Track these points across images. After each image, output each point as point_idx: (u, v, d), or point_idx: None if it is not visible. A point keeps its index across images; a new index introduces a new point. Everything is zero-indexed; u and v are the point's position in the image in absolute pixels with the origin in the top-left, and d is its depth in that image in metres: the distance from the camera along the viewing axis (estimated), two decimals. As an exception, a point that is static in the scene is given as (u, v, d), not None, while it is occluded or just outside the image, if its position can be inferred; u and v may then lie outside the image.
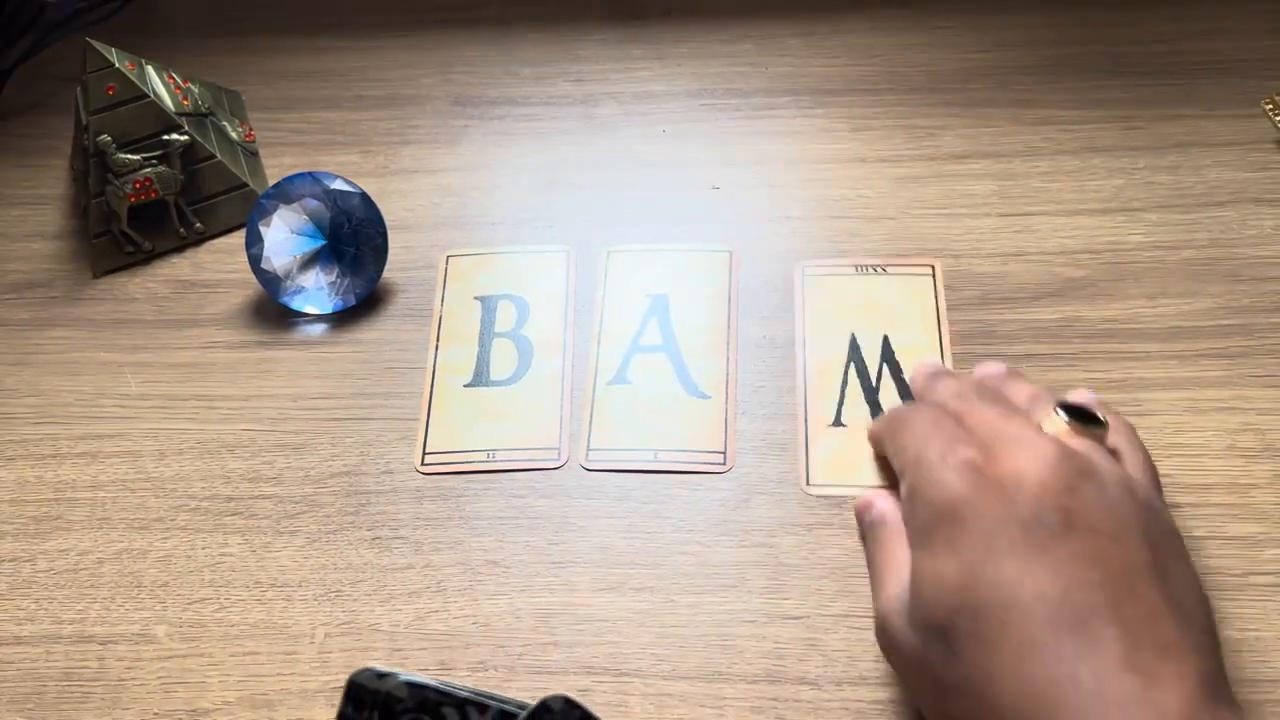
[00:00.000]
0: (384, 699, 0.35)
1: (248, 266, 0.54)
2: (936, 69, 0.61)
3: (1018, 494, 0.35)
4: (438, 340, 0.53)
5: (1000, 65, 0.61)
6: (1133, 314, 0.50)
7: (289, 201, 0.53)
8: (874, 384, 0.49)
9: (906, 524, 0.38)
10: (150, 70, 0.58)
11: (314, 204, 0.53)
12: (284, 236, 0.53)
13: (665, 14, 0.66)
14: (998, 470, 0.36)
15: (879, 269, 0.53)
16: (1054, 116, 0.58)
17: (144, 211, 0.57)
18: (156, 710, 0.43)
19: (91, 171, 0.56)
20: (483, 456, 0.49)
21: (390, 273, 0.55)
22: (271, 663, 0.44)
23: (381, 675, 0.35)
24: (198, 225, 0.58)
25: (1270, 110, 0.56)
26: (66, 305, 0.56)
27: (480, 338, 0.53)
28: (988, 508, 0.35)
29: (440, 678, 0.36)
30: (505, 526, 0.47)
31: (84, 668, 0.44)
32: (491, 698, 0.35)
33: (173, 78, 0.59)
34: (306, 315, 0.54)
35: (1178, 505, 0.45)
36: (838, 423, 0.49)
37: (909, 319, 0.51)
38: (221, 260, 0.57)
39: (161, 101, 0.57)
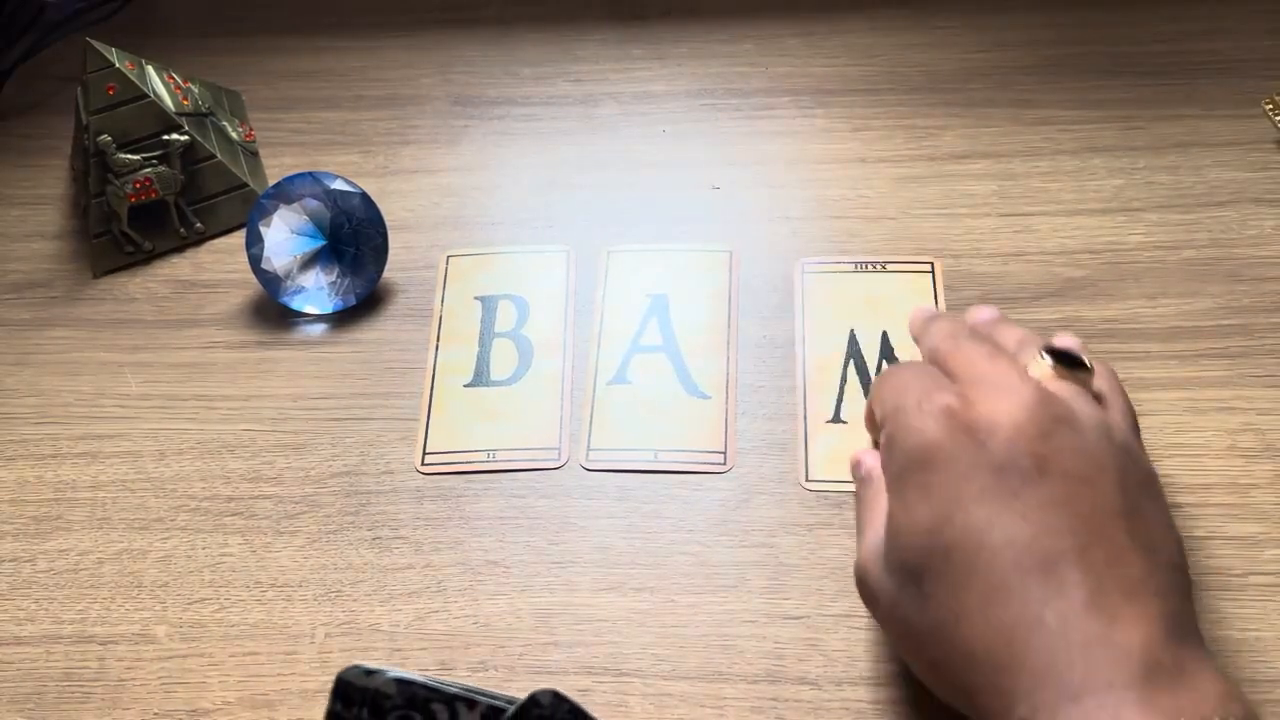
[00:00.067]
0: (373, 696, 0.35)
1: (248, 266, 0.54)
2: (936, 69, 0.61)
3: (991, 439, 0.34)
4: (438, 340, 0.53)
5: (1000, 65, 0.61)
6: (1133, 314, 0.50)
7: (289, 201, 0.53)
8: (873, 380, 0.49)
9: (885, 473, 0.38)
10: (150, 70, 0.58)
11: (314, 204, 0.53)
12: (284, 236, 0.53)
13: (665, 14, 0.66)
14: (973, 415, 0.35)
15: (879, 266, 0.53)
16: (1054, 116, 0.58)
17: (144, 211, 0.57)
18: (156, 710, 0.43)
19: (92, 171, 0.56)
20: (483, 456, 0.49)
21: (390, 273, 0.55)
22: (271, 663, 0.44)
23: (370, 672, 0.35)
24: (198, 225, 0.58)
25: (1270, 110, 0.56)
26: (66, 305, 0.56)
27: (480, 338, 0.53)
28: (961, 452, 0.35)
29: (434, 675, 0.36)
30: (505, 526, 0.47)
31: (84, 668, 0.44)
32: (480, 693, 0.35)
33: (173, 78, 0.59)
34: (306, 315, 0.54)
35: (1178, 505, 0.45)
36: (837, 419, 0.49)
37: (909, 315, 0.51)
38: (222, 260, 0.57)
39: (161, 101, 0.57)
